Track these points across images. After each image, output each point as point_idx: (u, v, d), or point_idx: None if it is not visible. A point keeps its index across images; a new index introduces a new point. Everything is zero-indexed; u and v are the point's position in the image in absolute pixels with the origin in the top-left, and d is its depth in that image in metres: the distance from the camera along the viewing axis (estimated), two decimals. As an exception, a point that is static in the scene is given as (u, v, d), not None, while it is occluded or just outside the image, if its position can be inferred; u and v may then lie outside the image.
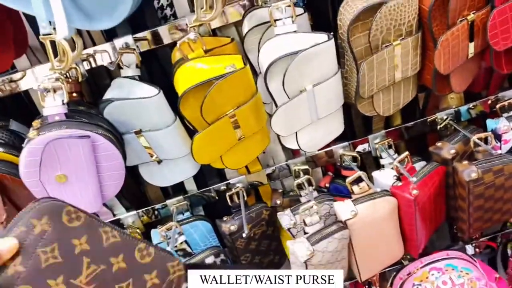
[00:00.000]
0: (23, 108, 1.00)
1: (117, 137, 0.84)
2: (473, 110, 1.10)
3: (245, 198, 1.05)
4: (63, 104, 0.78)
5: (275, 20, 0.83)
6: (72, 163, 0.77)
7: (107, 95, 0.85)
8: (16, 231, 0.50)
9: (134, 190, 1.07)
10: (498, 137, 1.03)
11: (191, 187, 1.08)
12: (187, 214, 1.07)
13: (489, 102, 1.09)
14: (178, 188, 1.08)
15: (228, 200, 1.05)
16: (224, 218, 1.02)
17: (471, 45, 0.90)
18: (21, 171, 0.78)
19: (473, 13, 0.85)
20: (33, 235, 0.50)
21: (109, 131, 0.82)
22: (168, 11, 0.98)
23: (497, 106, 1.07)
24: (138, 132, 0.87)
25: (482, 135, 0.99)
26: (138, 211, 1.07)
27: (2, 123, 0.96)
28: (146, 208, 1.07)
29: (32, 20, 0.83)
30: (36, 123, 0.81)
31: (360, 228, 0.94)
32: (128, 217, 1.08)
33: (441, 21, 0.84)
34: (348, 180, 0.98)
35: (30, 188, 0.81)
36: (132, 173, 0.97)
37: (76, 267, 0.52)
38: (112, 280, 0.54)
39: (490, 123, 1.05)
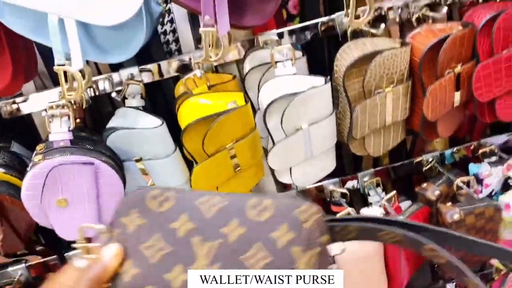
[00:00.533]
0: (25, 130, 1.02)
1: (118, 164, 0.87)
2: (457, 154, 1.16)
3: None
4: (69, 130, 0.81)
5: (275, 62, 0.88)
6: (74, 189, 0.79)
7: (112, 123, 0.89)
8: (114, 237, 0.46)
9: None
10: (479, 181, 1.09)
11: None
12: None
13: (472, 147, 1.15)
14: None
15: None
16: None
17: (457, 95, 0.96)
18: (23, 193, 0.80)
19: (460, 66, 0.92)
20: (129, 234, 0.46)
21: (112, 158, 0.85)
22: (173, 46, 1.03)
23: (480, 151, 1.13)
24: (139, 160, 0.90)
25: (465, 178, 1.05)
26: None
27: (3, 144, 0.98)
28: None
29: (41, 46, 0.87)
30: (40, 147, 0.83)
31: (347, 264, 0.97)
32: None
33: (430, 72, 0.91)
34: (338, 216, 1.02)
35: (30, 210, 0.82)
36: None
37: (188, 251, 0.45)
38: (235, 252, 0.45)
39: (473, 167, 1.11)
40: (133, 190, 0.48)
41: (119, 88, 0.93)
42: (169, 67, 0.95)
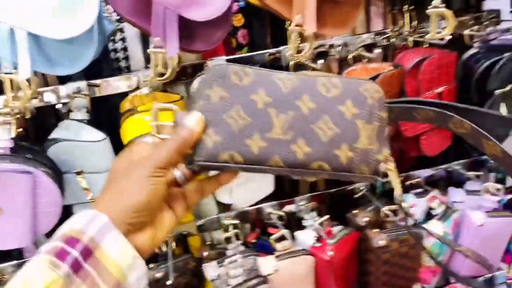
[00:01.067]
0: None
1: (58, 176, 0.87)
2: (387, 184, 1.24)
3: (173, 247, 1.09)
4: (10, 138, 0.81)
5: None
6: (11, 197, 0.79)
7: (54, 134, 0.89)
8: (196, 106, 0.50)
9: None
10: (405, 210, 1.17)
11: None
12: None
13: (401, 179, 1.24)
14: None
15: (156, 249, 1.08)
16: (151, 265, 1.05)
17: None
18: (-44, 199, 0.78)
19: (389, 103, 1.01)
20: (213, 104, 0.49)
21: (51, 169, 0.85)
22: (123, 63, 1.06)
23: (407, 183, 1.22)
24: (79, 173, 0.90)
25: (392, 207, 1.13)
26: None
27: None
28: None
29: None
30: (-22, 153, 0.82)
31: (280, 283, 1.01)
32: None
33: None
34: (272, 237, 1.06)
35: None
36: (65, 213, 0.99)
37: (266, 121, 0.50)
38: (307, 122, 0.50)
39: (400, 197, 1.19)
40: (218, 66, 0.51)
41: (65, 100, 0.94)
42: (117, 83, 0.97)
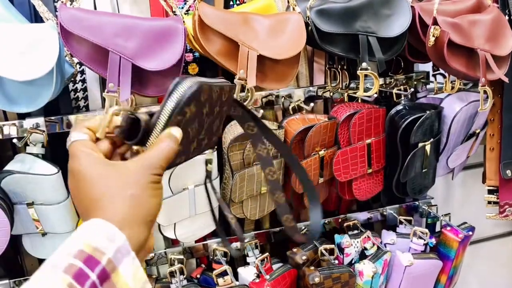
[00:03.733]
0: None
1: (8, 206, 0.92)
2: (327, 225, 1.34)
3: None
4: (-35, 169, 0.86)
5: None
6: (-41, 224, 0.83)
7: (9, 167, 0.94)
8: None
9: (12, 259, 1.11)
10: (341, 250, 1.26)
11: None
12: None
13: (340, 220, 1.33)
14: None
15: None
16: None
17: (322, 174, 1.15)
18: None
19: (324, 150, 1.11)
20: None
21: (2, 199, 0.90)
22: (82, 103, 1.13)
23: (344, 224, 1.31)
24: (30, 204, 0.95)
25: (328, 246, 1.21)
26: (11, 280, 1.09)
27: None
28: (20, 279, 1.10)
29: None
30: None
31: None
32: (0, 285, 1.09)
33: (300, 152, 1.09)
34: (215, 272, 1.12)
35: None
36: (13, 242, 1.02)
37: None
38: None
39: (337, 237, 1.28)
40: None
41: (24, 134, 1.00)
42: (74, 121, 1.04)
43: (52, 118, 1.03)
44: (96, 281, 0.39)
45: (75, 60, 1.07)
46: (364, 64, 1.02)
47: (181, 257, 1.21)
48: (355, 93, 1.14)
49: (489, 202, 1.36)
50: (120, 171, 0.45)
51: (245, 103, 0.98)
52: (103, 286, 0.40)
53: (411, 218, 1.35)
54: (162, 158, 0.46)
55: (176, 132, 0.48)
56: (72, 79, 1.08)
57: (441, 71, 1.20)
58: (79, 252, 0.40)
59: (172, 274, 1.16)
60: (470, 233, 1.29)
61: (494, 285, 1.81)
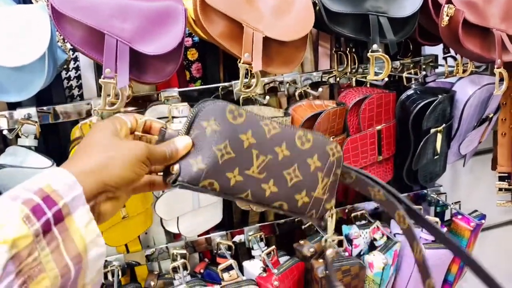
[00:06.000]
0: None
1: (0, 202, 0.86)
2: (335, 216, 1.29)
3: (120, 276, 1.08)
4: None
5: (172, 117, 0.95)
6: None
7: (0, 160, 0.88)
8: (191, 134, 0.54)
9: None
10: (350, 241, 1.21)
11: (67, 260, 1.09)
12: None
13: (346, 210, 1.29)
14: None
15: (102, 278, 1.07)
16: (96, 295, 1.03)
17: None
18: None
19: (333, 138, 1.06)
20: (206, 135, 0.54)
21: (-6, 195, 0.84)
22: (76, 91, 1.07)
23: (352, 215, 1.27)
24: (23, 200, 0.89)
25: (337, 238, 1.17)
26: None
27: None
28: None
29: None
30: None
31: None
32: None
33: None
34: (220, 267, 1.07)
35: None
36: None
37: (247, 159, 0.56)
38: (279, 167, 0.58)
39: (345, 228, 1.24)
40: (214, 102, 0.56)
41: (15, 126, 0.94)
42: (68, 111, 0.98)
43: (45, 108, 0.97)
44: (51, 219, 0.42)
45: (68, 46, 1.01)
46: (375, 46, 0.96)
47: (184, 251, 1.16)
48: (364, 77, 1.09)
49: (500, 189, 1.32)
50: (119, 141, 0.50)
51: (250, 89, 0.93)
52: (56, 226, 0.42)
53: (420, 207, 1.30)
54: (158, 154, 0.52)
55: (180, 141, 0.53)
56: (65, 66, 1.02)
57: (452, 53, 1.15)
58: (39, 190, 0.43)
59: (175, 269, 1.11)
60: (482, 221, 1.25)
61: (503, 272, 1.78)
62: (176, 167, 0.53)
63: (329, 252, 0.63)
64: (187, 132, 0.55)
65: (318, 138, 0.61)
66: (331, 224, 0.63)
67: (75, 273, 0.44)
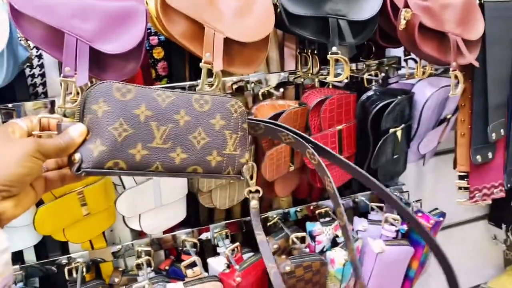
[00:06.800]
0: None
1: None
2: (299, 213, 1.32)
3: (84, 273, 1.09)
4: None
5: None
6: None
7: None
8: (85, 120, 0.55)
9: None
10: (313, 238, 1.24)
11: (30, 257, 1.09)
12: (20, 285, 1.06)
13: (312, 208, 1.32)
14: (16, 257, 1.08)
15: (66, 274, 1.07)
16: (59, 292, 1.04)
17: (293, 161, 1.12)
18: None
19: (294, 137, 1.09)
20: (99, 118, 0.54)
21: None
22: (40, 89, 1.07)
23: (316, 212, 1.30)
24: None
25: (299, 234, 1.19)
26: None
27: None
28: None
29: None
30: None
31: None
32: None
33: (269, 140, 1.06)
34: (183, 264, 1.09)
35: None
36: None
37: (148, 132, 0.56)
38: (183, 133, 0.59)
39: (309, 225, 1.26)
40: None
41: (-25, 123, 0.94)
42: (31, 108, 0.98)
43: (8, 105, 0.97)
44: None
45: (31, 44, 1.01)
46: (334, 48, 0.99)
47: (149, 249, 1.17)
48: (325, 78, 1.12)
49: (460, 188, 1.36)
50: (8, 142, 0.52)
51: (212, 88, 0.94)
52: None
53: (383, 204, 1.34)
54: (51, 146, 0.53)
55: (74, 130, 0.55)
56: (28, 63, 1.02)
57: (413, 56, 1.19)
58: None
59: (139, 266, 1.12)
60: (441, 218, 1.29)
61: (465, 268, 1.84)
62: (77, 155, 0.54)
63: (252, 204, 0.66)
64: (81, 119, 0.55)
65: (216, 98, 0.63)
66: (248, 174, 0.65)
67: None
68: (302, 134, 0.66)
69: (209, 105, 0.62)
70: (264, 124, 0.67)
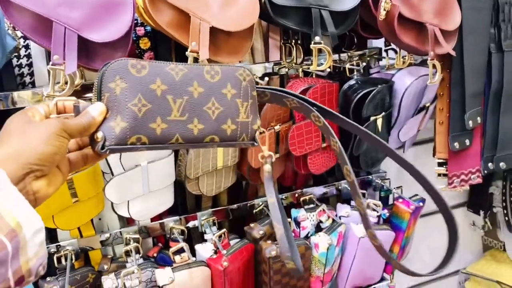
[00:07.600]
0: None
1: None
2: (285, 200, 1.35)
3: (73, 261, 1.11)
4: None
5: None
6: None
7: None
8: (103, 99, 0.56)
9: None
10: (297, 224, 1.28)
11: (19, 245, 1.10)
12: (10, 272, 1.08)
13: (297, 195, 1.35)
14: (5, 246, 1.09)
15: (55, 262, 1.09)
16: (48, 279, 1.05)
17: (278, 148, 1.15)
18: None
19: (279, 125, 1.12)
20: (117, 96, 0.55)
21: None
22: (27, 79, 1.08)
23: (301, 199, 1.33)
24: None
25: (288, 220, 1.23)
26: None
27: None
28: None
29: None
30: None
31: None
32: None
33: (255, 127, 1.09)
34: (171, 250, 1.11)
35: None
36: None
37: (165, 106, 0.58)
38: (198, 104, 0.61)
39: (293, 212, 1.30)
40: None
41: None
42: (19, 98, 0.99)
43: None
44: None
45: (19, 33, 1.02)
46: (317, 38, 1.02)
47: (137, 236, 1.20)
48: (309, 68, 1.15)
49: (439, 175, 1.41)
50: (33, 124, 0.52)
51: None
52: None
53: (365, 191, 1.38)
54: (75, 125, 0.53)
55: (93, 109, 0.55)
56: (16, 53, 1.03)
57: (393, 46, 1.22)
58: None
59: (127, 253, 1.15)
60: (421, 204, 1.34)
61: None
62: (99, 134, 0.55)
63: (266, 167, 0.66)
64: (99, 98, 0.56)
65: (225, 68, 0.65)
66: (262, 141, 0.67)
67: (13, 249, 0.46)
68: (306, 98, 0.68)
69: (220, 76, 0.63)
70: (270, 91, 0.69)
